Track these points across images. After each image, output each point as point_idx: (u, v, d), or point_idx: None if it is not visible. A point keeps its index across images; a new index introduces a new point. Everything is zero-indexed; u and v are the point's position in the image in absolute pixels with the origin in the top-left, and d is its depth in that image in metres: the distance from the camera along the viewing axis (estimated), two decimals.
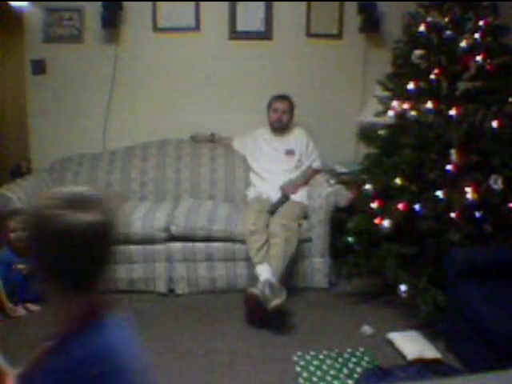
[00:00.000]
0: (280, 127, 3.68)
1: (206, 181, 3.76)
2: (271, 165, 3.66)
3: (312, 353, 2.58)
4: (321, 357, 2.55)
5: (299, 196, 3.49)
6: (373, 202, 2.96)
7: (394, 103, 2.93)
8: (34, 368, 0.94)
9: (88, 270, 0.96)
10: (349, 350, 2.61)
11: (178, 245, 3.25)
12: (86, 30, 3.82)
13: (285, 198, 3.41)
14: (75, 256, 0.92)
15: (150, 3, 3.80)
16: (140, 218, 3.27)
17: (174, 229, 3.23)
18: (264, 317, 2.80)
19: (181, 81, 3.92)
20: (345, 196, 3.25)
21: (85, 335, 0.93)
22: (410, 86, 2.87)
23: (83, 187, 0.99)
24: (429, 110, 2.78)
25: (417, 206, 2.75)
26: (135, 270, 3.25)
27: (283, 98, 3.68)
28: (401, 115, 2.91)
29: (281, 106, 3.66)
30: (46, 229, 0.91)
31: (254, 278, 3.05)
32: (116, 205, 1.01)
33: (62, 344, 0.93)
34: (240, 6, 3.86)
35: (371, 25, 3.84)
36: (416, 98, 2.86)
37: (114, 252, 0.98)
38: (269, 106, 3.70)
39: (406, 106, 2.86)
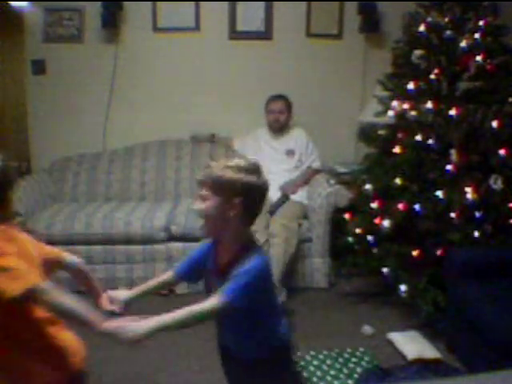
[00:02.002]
0: (278, 127, 3.68)
1: None
2: (271, 165, 3.65)
3: (312, 353, 2.58)
4: (321, 357, 2.55)
5: (299, 196, 3.49)
6: (373, 202, 2.96)
7: (394, 103, 2.93)
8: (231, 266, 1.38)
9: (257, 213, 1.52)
10: (349, 349, 2.61)
11: (177, 245, 3.25)
12: (86, 29, 3.82)
13: (285, 198, 3.41)
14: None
15: (149, 3, 3.80)
16: (140, 218, 3.27)
17: (174, 229, 3.23)
18: None
19: (181, 81, 3.92)
20: (345, 196, 3.25)
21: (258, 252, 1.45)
22: (410, 86, 2.87)
23: None
24: (429, 109, 2.78)
25: (417, 206, 2.75)
26: (135, 269, 3.25)
27: (279, 98, 3.67)
28: (401, 115, 2.91)
29: (277, 106, 3.65)
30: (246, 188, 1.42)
31: None
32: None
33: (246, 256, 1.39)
34: (240, 5, 3.86)
35: (371, 25, 3.84)
36: (416, 98, 2.86)
37: None
38: (266, 106, 3.70)
39: (406, 106, 2.86)
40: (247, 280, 1.34)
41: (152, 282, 1.60)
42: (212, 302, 1.33)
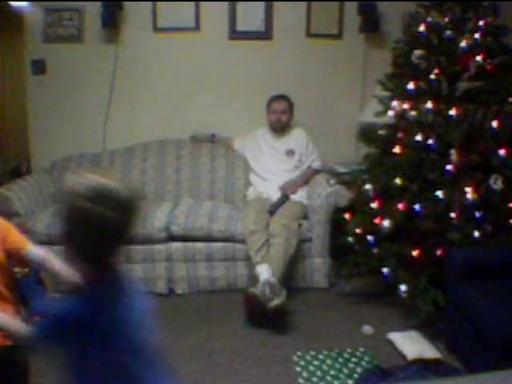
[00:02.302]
0: (280, 127, 3.68)
1: (206, 181, 3.76)
2: (271, 165, 3.66)
3: (312, 353, 2.58)
4: (321, 357, 2.55)
5: (299, 196, 3.49)
6: (373, 202, 2.96)
7: (394, 103, 2.93)
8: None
9: (102, 250, 1.20)
10: (349, 349, 2.61)
11: (178, 245, 3.25)
12: (86, 29, 3.82)
13: (285, 198, 3.41)
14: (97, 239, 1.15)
15: (149, 3, 3.80)
16: (140, 218, 3.26)
17: (174, 229, 3.23)
18: (264, 317, 2.80)
19: (181, 81, 3.92)
20: (345, 196, 3.25)
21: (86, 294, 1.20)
22: (410, 86, 2.87)
23: (110, 180, 1.16)
24: (429, 109, 2.78)
25: (417, 206, 2.75)
26: (135, 269, 3.24)
27: (281, 98, 3.67)
28: (401, 115, 2.91)
29: (279, 106, 3.65)
30: (76, 218, 1.13)
31: (253, 278, 3.05)
32: (137, 203, 1.24)
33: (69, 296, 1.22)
34: (240, 5, 3.86)
35: (371, 25, 3.84)
36: (416, 98, 2.86)
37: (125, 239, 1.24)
38: (267, 106, 3.70)
39: (405, 106, 2.86)
40: (54, 322, 1.19)
41: None
42: (23, 325, 1.26)
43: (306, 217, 3.36)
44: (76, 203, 1.11)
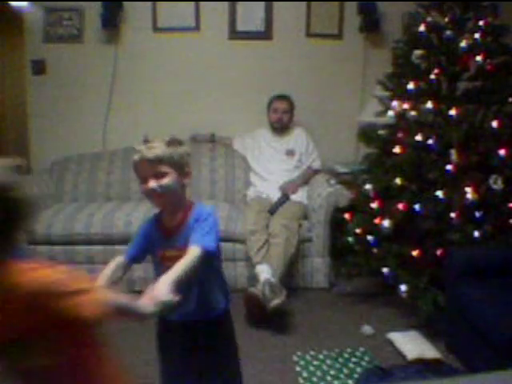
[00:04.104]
0: (280, 127, 3.69)
1: (206, 181, 3.76)
2: (271, 165, 3.66)
3: (312, 353, 2.58)
4: (321, 357, 2.55)
5: (299, 196, 3.49)
6: (373, 202, 2.96)
7: (394, 103, 2.93)
8: None
9: None
10: (349, 349, 2.61)
11: None
12: (86, 30, 3.82)
13: (285, 198, 3.41)
14: None
15: (149, 3, 3.80)
16: (140, 218, 3.26)
17: None
18: (264, 317, 2.80)
19: (181, 81, 3.93)
20: (345, 196, 3.25)
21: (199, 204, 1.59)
22: (410, 86, 2.87)
23: None
24: (429, 109, 2.78)
25: (417, 206, 2.75)
26: (135, 269, 3.24)
27: (283, 97, 3.68)
28: (401, 115, 2.91)
29: (281, 106, 3.66)
30: None
31: (253, 278, 3.05)
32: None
33: None
34: (240, 5, 3.86)
35: (371, 25, 3.84)
36: (416, 98, 2.86)
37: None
38: (269, 106, 3.70)
39: (406, 105, 2.86)
40: (210, 225, 1.48)
41: (107, 272, 1.55)
42: (193, 252, 1.41)
43: (306, 217, 3.36)
44: None
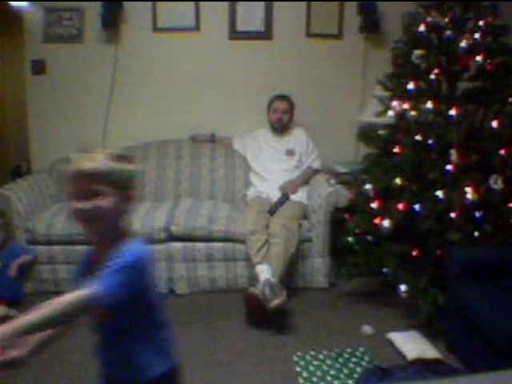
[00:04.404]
0: (280, 127, 3.69)
1: (206, 181, 3.76)
2: (271, 165, 3.66)
3: (312, 353, 2.58)
4: (321, 357, 2.55)
5: (299, 196, 3.49)
6: (373, 202, 2.96)
7: (394, 103, 2.93)
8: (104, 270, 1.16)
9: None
10: (349, 349, 2.61)
11: (178, 245, 3.25)
12: (86, 29, 3.82)
13: (285, 198, 3.41)
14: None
15: (149, 3, 3.80)
16: (140, 217, 3.27)
17: (174, 229, 3.23)
18: (264, 317, 2.80)
19: (181, 81, 3.93)
20: (345, 196, 3.25)
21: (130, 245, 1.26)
22: (410, 86, 2.87)
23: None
24: (429, 109, 2.78)
25: (417, 206, 2.75)
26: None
27: (283, 97, 3.68)
28: (401, 115, 2.91)
29: (281, 105, 3.66)
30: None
31: (253, 278, 3.05)
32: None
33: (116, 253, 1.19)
34: (240, 5, 3.86)
35: (371, 25, 3.84)
36: (416, 98, 2.86)
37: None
38: (269, 106, 3.70)
39: (406, 105, 2.86)
40: (119, 266, 1.16)
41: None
42: (82, 291, 1.11)
43: (306, 217, 3.36)
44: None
